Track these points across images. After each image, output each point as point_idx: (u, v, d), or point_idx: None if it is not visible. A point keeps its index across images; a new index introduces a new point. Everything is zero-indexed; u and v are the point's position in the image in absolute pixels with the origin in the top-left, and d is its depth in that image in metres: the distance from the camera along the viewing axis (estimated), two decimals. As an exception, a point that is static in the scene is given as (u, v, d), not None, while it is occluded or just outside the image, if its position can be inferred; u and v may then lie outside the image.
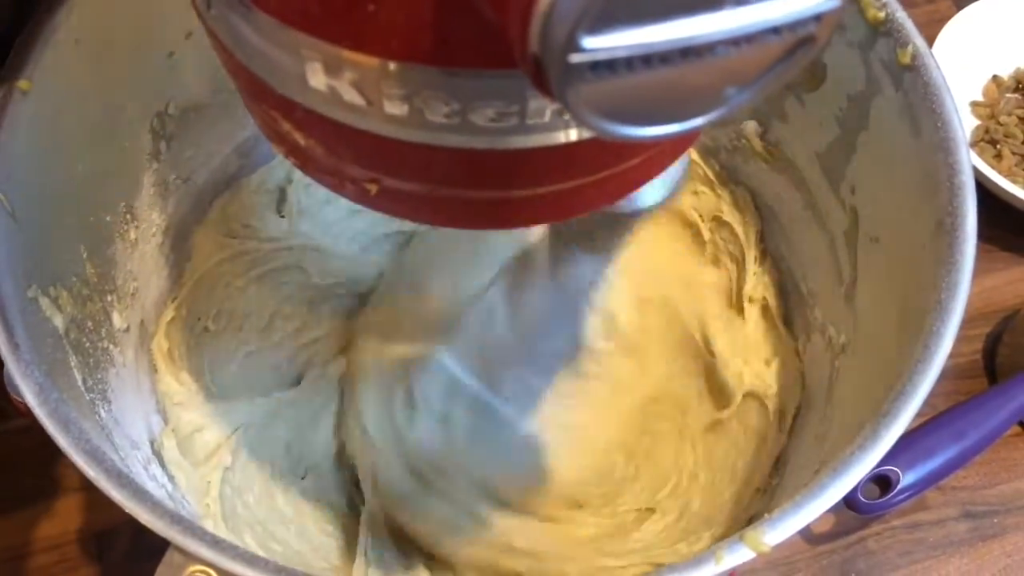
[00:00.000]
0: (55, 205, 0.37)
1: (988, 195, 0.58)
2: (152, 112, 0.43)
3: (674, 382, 0.48)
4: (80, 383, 0.35)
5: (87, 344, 0.38)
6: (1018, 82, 0.66)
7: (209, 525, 0.41)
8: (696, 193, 0.50)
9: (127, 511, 0.27)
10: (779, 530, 0.27)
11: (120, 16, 0.38)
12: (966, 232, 0.32)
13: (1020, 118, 0.64)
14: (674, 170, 0.35)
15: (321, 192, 0.50)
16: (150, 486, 0.37)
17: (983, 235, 0.33)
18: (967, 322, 0.31)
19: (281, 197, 0.51)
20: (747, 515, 0.41)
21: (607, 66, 0.15)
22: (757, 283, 0.47)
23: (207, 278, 0.49)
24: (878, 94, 0.37)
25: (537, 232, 0.45)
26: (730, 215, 0.49)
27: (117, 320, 0.42)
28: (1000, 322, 0.58)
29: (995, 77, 0.66)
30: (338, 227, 0.52)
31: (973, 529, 0.52)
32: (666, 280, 0.50)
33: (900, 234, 0.37)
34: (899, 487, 0.48)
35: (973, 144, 0.64)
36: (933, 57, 0.35)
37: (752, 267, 0.47)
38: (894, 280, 0.37)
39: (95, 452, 0.28)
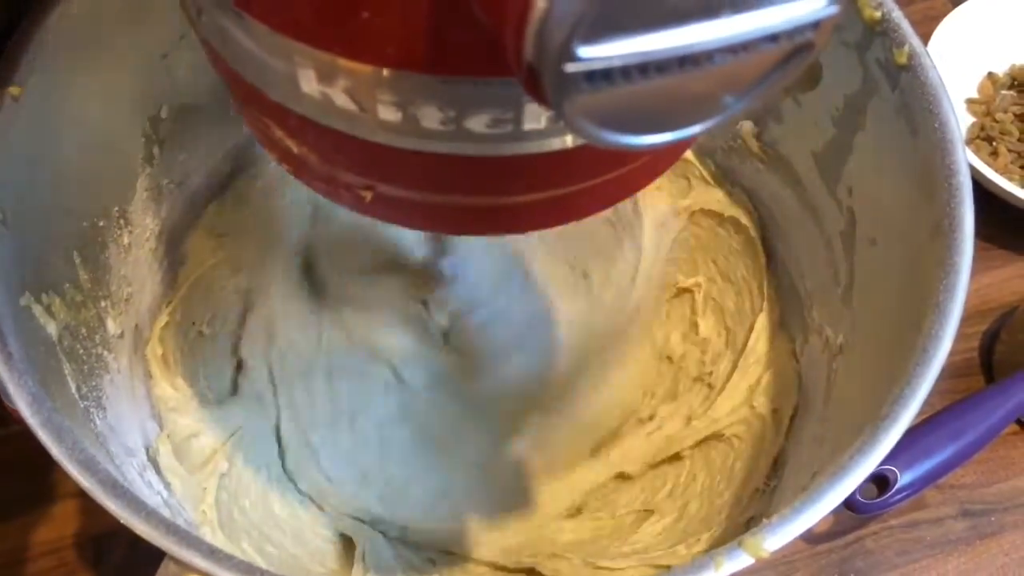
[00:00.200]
0: (47, 211, 0.37)
1: (984, 193, 0.58)
2: (145, 116, 0.43)
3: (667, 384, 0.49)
4: (74, 391, 0.35)
5: (81, 351, 0.38)
6: (1013, 79, 0.66)
7: (206, 532, 0.41)
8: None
9: (123, 522, 0.27)
10: (779, 535, 0.27)
11: (111, 20, 0.38)
12: (964, 234, 0.32)
13: (1016, 115, 0.64)
14: None
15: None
16: (146, 494, 0.37)
17: (979, 233, 0.33)
18: (963, 320, 0.31)
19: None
20: (745, 517, 0.41)
21: (603, 75, 0.15)
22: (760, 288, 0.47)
23: (201, 282, 0.49)
24: (875, 94, 0.37)
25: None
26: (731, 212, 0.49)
27: (111, 326, 0.41)
28: (997, 320, 0.58)
29: (990, 74, 0.66)
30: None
31: (971, 528, 0.52)
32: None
33: (897, 235, 0.37)
34: (897, 487, 0.47)
35: (969, 141, 0.64)
36: (930, 57, 0.35)
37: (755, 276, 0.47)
38: (892, 281, 0.36)
39: (90, 462, 0.28)
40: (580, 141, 0.21)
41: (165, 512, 0.39)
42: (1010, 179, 0.60)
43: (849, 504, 0.47)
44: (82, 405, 0.35)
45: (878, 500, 0.47)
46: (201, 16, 0.22)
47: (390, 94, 0.20)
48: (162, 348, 0.46)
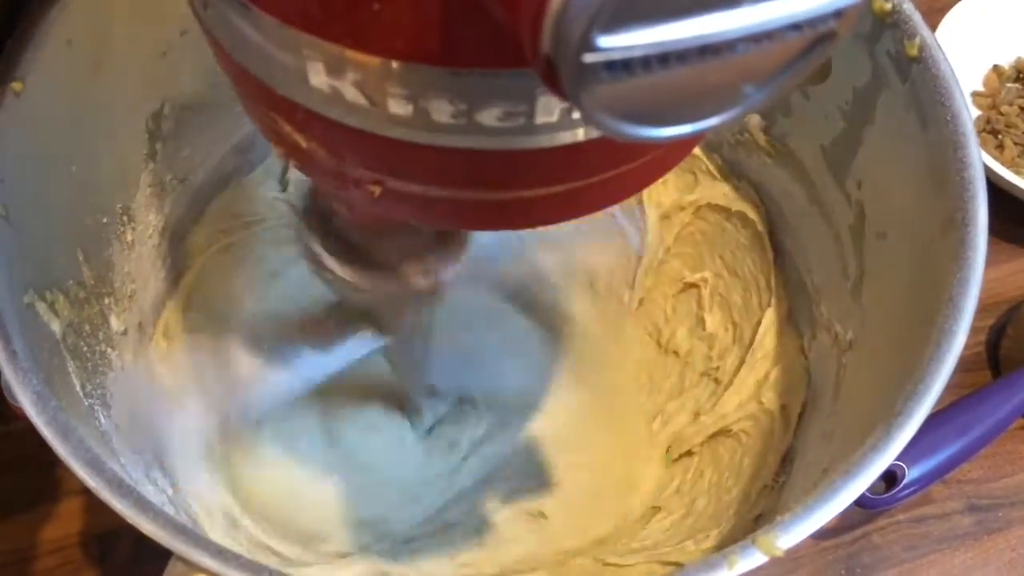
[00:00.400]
0: (50, 208, 0.37)
1: (990, 186, 0.57)
2: (148, 112, 0.42)
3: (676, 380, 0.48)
4: (79, 389, 0.35)
5: (85, 349, 0.37)
6: (1019, 71, 0.66)
7: (206, 524, 0.41)
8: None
9: (130, 522, 0.26)
10: (792, 533, 0.27)
11: (113, 15, 0.37)
12: (978, 228, 0.31)
13: (1021, 108, 0.64)
14: None
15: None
16: (151, 492, 0.37)
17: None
18: (971, 314, 0.31)
19: (284, 170, 0.51)
20: (754, 513, 0.41)
21: (623, 66, 0.15)
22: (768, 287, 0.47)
23: (205, 278, 0.48)
24: (885, 87, 0.37)
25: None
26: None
27: (115, 323, 0.41)
28: (1004, 314, 0.58)
29: (996, 67, 0.66)
30: None
31: (978, 523, 0.52)
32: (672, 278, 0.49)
33: (908, 229, 0.36)
34: (904, 482, 0.47)
35: (974, 135, 0.63)
36: (941, 49, 0.34)
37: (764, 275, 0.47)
38: (902, 276, 0.36)
39: (95, 461, 0.28)
40: (593, 134, 0.21)
41: (170, 510, 0.39)
42: (1016, 172, 0.59)
43: (857, 500, 0.46)
44: (87, 403, 0.35)
45: (886, 496, 0.47)
46: (207, 9, 0.22)
47: (401, 87, 0.19)
48: (166, 344, 0.46)
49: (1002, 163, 0.60)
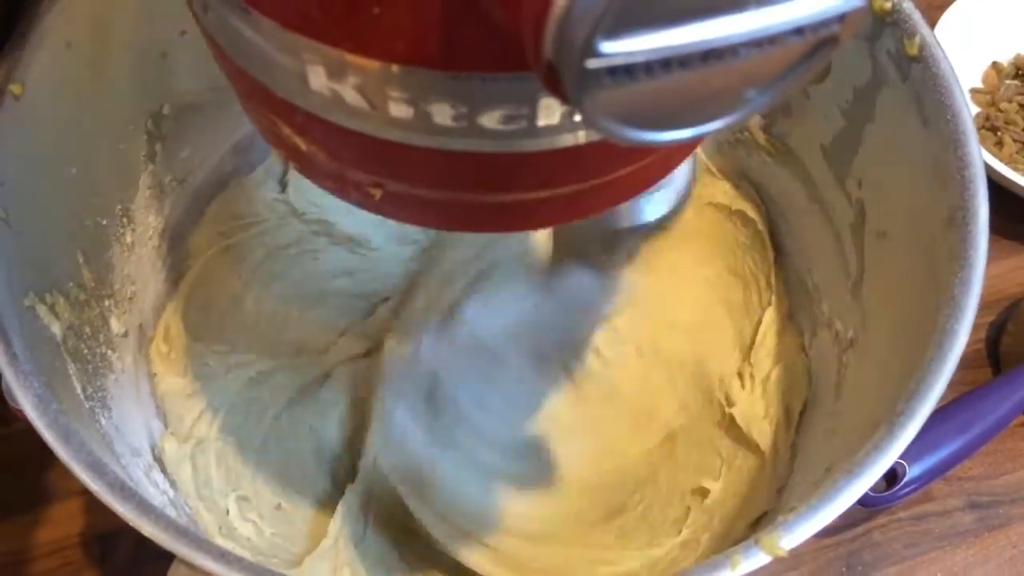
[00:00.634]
0: (50, 210, 0.36)
1: (989, 183, 0.57)
2: (147, 113, 0.42)
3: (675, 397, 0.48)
4: (79, 391, 0.35)
5: (85, 351, 0.37)
6: (1018, 68, 0.66)
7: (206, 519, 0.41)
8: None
9: (131, 524, 0.26)
10: (795, 534, 0.27)
11: (112, 17, 0.37)
12: (979, 227, 0.31)
13: (1021, 105, 0.64)
14: (679, 184, 0.34)
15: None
16: (152, 493, 0.37)
17: (986, 223, 0.32)
18: (971, 312, 0.31)
19: (284, 171, 0.50)
20: (755, 512, 0.41)
21: (625, 71, 0.15)
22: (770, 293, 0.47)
23: (205, 279, 0.48)
24: (885, 86, 0.37)
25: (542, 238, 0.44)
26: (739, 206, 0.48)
27: (115, 325, 0.41)
28: (1004, 311, 0.58)
29: (995, 63, 0.66)
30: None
31: (979, 520, 0.52)
32: (672, 302, 0.49)
33: (908, 228, 0.36)
34: (905, 480, 0.47)
35: (974, 132, 0.63)
36: (941, 48, 0.34)
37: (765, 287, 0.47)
38: (902, 274, 0.36)
39: (97, 464, 0.28)
40: (594, 137, 0.21)
41: (171, 511, 0.39)
42: (1015, 169, 0.59)
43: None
44: (87, 405, 0.35)
45: (887, 493, 0.47)
46: (207, 12, 0.21)
47: (401, 91, 0.19)
48: (167, 346, 0.46)
49: (1001, 160, 0.60)
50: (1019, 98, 0.64)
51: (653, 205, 0.35)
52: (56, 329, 0.35)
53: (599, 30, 0.14)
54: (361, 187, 0.24)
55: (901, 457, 0.46)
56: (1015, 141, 0.62)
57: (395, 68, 0.19)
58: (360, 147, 0.22)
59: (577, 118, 0.20)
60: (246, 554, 0.41)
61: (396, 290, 0.51)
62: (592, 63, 0.14)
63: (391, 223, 0.37)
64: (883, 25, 0.36)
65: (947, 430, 0.49)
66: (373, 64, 0.19)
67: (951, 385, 0.55)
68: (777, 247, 0.48)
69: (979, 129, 0.63)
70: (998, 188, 0.58)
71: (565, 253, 0.44)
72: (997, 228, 0.59)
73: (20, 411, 0.30)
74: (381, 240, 0.51)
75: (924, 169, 0.35)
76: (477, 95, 0.19)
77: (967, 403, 0.50)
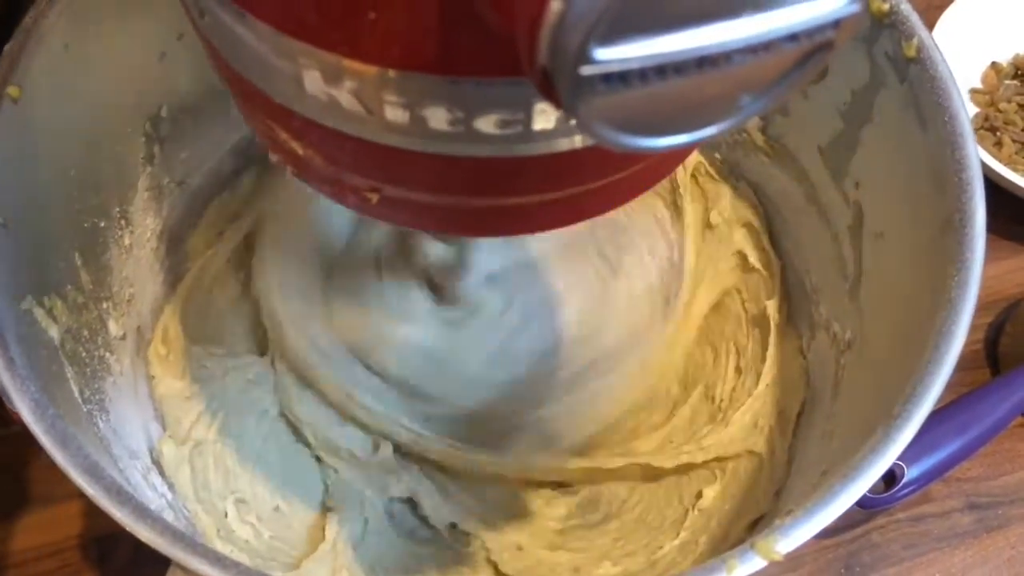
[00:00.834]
0: (48, 213, 0.36)
1: (988, 183, 0.57)
2: (145, 115, 0.42)
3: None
4: (77, 395, 0.35)
5: (83, 354, 0.37)
6: (1017, 68, 0.66)
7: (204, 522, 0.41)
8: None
9: (128, 529, 0.26)
10: (791, 538, 0.27)
11: (109, 19, 0.37)
12: (976, 229, 0.31)
13: (1020, 105, 0.64)
14: None
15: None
16: (149, 497, 0.37)
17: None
18: (969, 313, 0.31)
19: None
20: (752, 515, 0.41)
21: (619, 78, 0.15)
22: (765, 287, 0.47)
23: (203, 281, 0.48)
24: (882, 87, 0.37)
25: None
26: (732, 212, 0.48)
27: (113, 328, 0.41)
28: (1002, 311, 0.58)
29: (994, 64, 0.66)
30: None
31: (977, 521, 0.52)
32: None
33: (906, 230, 0.36)
34: (904, 481, 0.47)
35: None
36: (939, 50, 0.34)
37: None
38: (900, 276, 0.36)
39: (94, 468, 0.28)
40: (590, 142, 0.21)
41: (169, 514, 0.39)
42: (1014, 169, 0.59)
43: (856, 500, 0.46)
44: (85, 409, 0.35)
45: (885, 495, 0.47)
46: (203, 16, 0.21)
47: (397, 95, 0.19)
48: (165, 348, 0.46)
49: (1000, 160, 0.60)
50: (1018, 98, 0.64)
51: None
52: (54, 332, 0.35)
53: (593, 37, 0.14)
54: (358, 191, 0.24)
55: (899, 458, 0.46)
56: (1014, 141, 0.62)
57: (391, 73, 0.19)
58: (357, 152, 0.22)
59: (573, 123, 0.20)
60: (244, 557, 0.41)
61: None
62: (586, 70, 0.14)
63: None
64: (881, 27, 0.36)
65: (946, 431, 0.49)
66: (369, 69, 0.19)
67: (949, 386, 0.55)
68: (775, 248, 0.48)
69: (978, 129, 0.63)
70: (997, 189, 0.58)
71: None
72: (995, 228, 0.59)
73: (16, 413, 0.30)
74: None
75: (921, 171, 0.35)
76: (473, 100, 0.19)
77: (966, 404, 0.50)
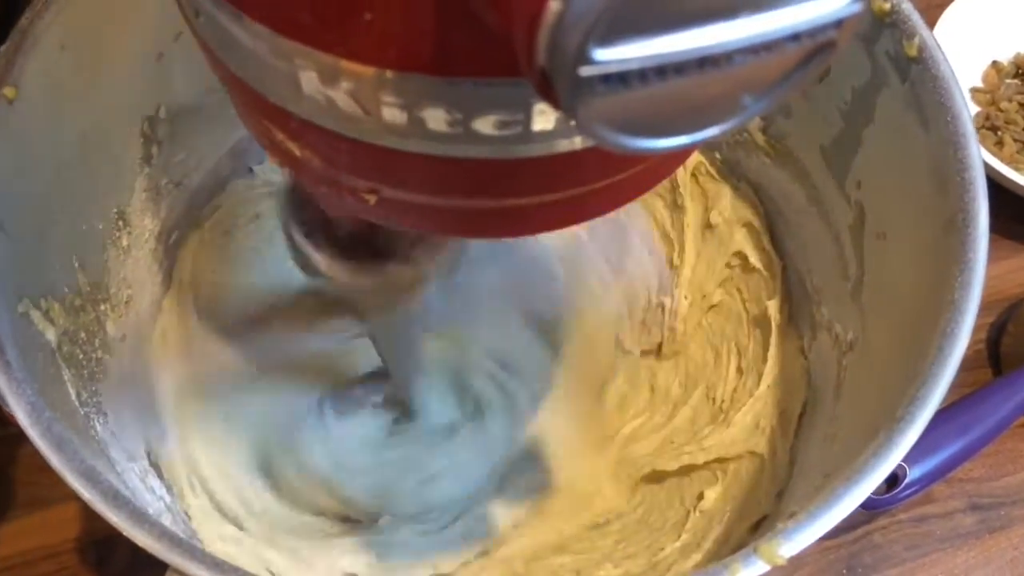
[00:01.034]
0: (45, 215, 0.36)
1: (990, 183, 0.57)
2: (142, 116, 0.42)
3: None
4: (74, 398, 0.35)
5: (80, 356, 0.37)
6: (1018, 67, 0.65)
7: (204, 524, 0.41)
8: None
9: (125, 534, 0.26)
10: (795, 542, 0.27)
11: (106, 19, 0.37)
12: (979, 230, 0.31)
13: (1021, 104, 0.64)
14: None
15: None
16: (148, 500, 0.37)
17: (986, 223, 0.32)
18: (971, 313, 0.31)
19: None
20: (753, 517, 0.40)
21: (619, 79, 0.14)
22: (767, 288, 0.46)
23: (202, 282, 0.48)
24: (884, 87, 0.36)
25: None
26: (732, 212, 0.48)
27: (111, 329, 0.41)
28: (1004, 311, 0.58)
29: (995, 63, 0.66)
30: None
31: (980, 521, 0.52)
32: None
33: (908, 230, 0.36)
34: (906, 482, 0.47)
35: (974, 131, 0.63)
36: (941, 50, 0.34)
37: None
38: (902, 277, 0.36)
39: (90, 472, 0.27)
40: (590, 142, 0.21)
41: (167, 517, 0.39)
42: (1016, 168, 0.59)
43: (859, 501, 0.46)
44: (82, 412, 0.35)
45: (887, 496, 0.47)
46: (199, 17, 0.21)
47: (395, 96, 0.19)
48: (163, 349, 0.45)
49: (1001, 160, 0.60)
50: (1019, 97, 0.64)
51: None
52: (51, 335, 0.34)
53: (592, 37, 0.14)
54: (356, 193, 0.24)
55: (902, 459, 0.47)
56: (1015, 140, 0.62)
57: (388, 74, 0.19)
58: (354, 153, 0.22)
59: (572, 124, 0.20)
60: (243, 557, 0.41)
61: None
62: (586, 70, 0.14)
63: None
64: (882, 26, 0.36)
65: (948, 432, 0.49)
66: (366, 70, 0.19)
67: (951, 386, 0.54)
68: (776, 248, 0.47)
69: (979, 129, 0.63)
70: (998, 188, 0.58)
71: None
72: (997, 228, 0.59)
73: (12, 415, 0.29)
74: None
75: (924, 171, 0.35)
76: (471, 101, 0.19)
77: (968, 405, 0.50)
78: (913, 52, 0.35)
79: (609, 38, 0.14)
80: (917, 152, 0.35)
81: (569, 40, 0.14)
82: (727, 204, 0.48)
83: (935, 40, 0.35)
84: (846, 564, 0.50)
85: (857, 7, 0.15)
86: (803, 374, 0.44)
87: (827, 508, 0.27)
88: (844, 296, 0.41)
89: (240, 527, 0.43)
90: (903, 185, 0.36)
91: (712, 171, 0.49)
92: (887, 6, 0.35)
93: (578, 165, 0.22)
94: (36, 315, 0.34)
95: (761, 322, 0.47)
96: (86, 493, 0.27)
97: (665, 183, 0.49)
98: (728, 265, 0.49)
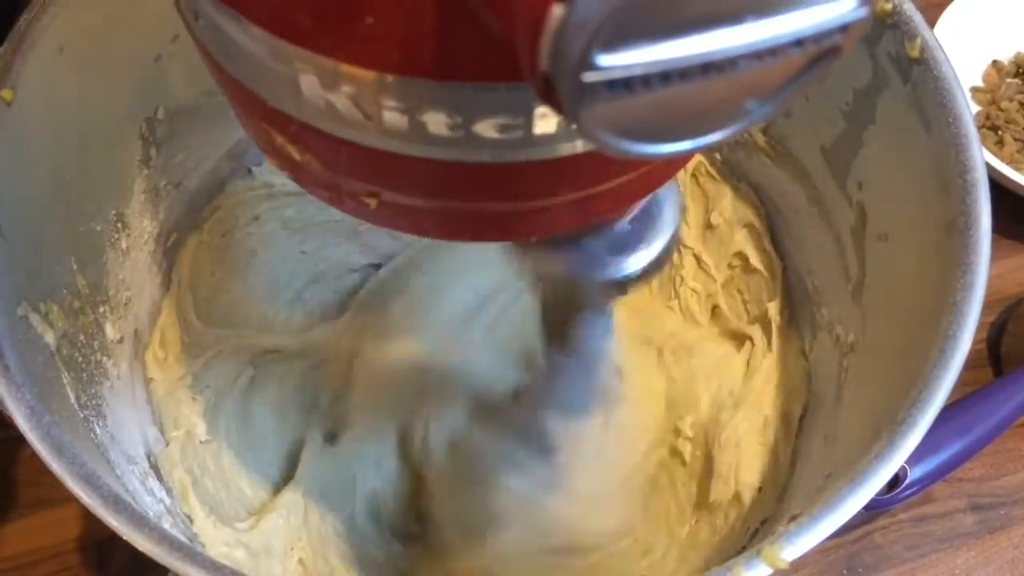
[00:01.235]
0: (43, 217, 0.36)
1: (990, 182, 0.57)
2: (141, 117, 0.42)
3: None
4: (73, 401, 0.34)
5: (80, 359, 0.37)
6: (1018, 67, 0.65)
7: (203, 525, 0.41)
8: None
9: (125, 538, 0.26)
10: (797, 545, 0.26)
11: (104, 21, 0.37)
12: (981, 232, 0.31)
13: (1021, 103, 0.63)
14: (663, 238, 0.31)
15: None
16: (148, 503, 0.37)
17: (986, 223, 0.32)
18: (972, 313, 0.30)
19: None
20: (755, 520, 0.40)
21: (623, 84, 0.14)
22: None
23: (201, 283, 0.48)
24: (885, 88, 0.36)
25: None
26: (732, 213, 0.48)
27: (110, 331, 0.41)
28: (1004, 311, 0.58)
29: (995, 62, 0.66)
30: None
31: (980, 521, 0.52)
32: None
33: (910, 232, 0.36)
34: (907, 482, 0.47)
35: (974, 131, 0.63)
36: (943, 50, 0.34)
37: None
38: (904, 278, 0.36)
39: (90, 476, 0.27)
40: (591, 146, 0.20)
41: (167, 520, 0.38)
42: (1016, 168, 0.59)
43: (859, 502, 0.46)
44: (82, 415, 0.35)
45: (888, 496, 0.47)
46: (198, 20, 0.21)
47: (395, 100, 0.19)
48: (163, 351, 0.45)
49: (1002, 159, 0.60)
50: (1020, 97, 0.64)
51: (635, 258, 0.31)
52: (50, 338, 0.34)
53: (595, 43, 0.14)
54: (356, 197, 0.24)
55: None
56: (1016, 140, 0.62)
57: (389, 78, 0.19)
58: (354, 157, 0.22)
59: (573, 127, 0.20)
60: (242, 556, 0.41)
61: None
62: (589, 76, 0.14)
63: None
64: (884, 27, 0.36)
65: (948, 432, 0.49)
66: (367, 74, 0.19)
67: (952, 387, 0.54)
68: (777, 249, 0.47)
69: (980, 128, 0.63)
70: (998, 188, 0.58)
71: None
72: (997, 228, 0.58)
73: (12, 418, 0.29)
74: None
75: (925, 172, 0.35)
76: (472, 105, 0.19)
77: (968, 405, 0.50)
78: (915, 53, 0.34)
79: (613, 44, 0.14)
80: (919, 153, 0.35)
81: (572, 46, 0.14)
82: (728, 205, 0.48)
83: (937, 41, 0.35)
84: (846, 564, 0.50)
85: (863, 12, 0.15)
86: (803, 375, 0.44)
87: (830, 511, 0.27)
88: (845, 298, 0.41)
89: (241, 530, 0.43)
90: (905, 186, 0.36)
91: (712, 172, 0.49)
92: (889, 7, 0.35)
93: (579, 169, 0.21)
94: (35, 318, 0.34)
95: (762, 323, 0.47)
96: (86, 497, 0.27)
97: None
98: (729, 266, 0.49)
